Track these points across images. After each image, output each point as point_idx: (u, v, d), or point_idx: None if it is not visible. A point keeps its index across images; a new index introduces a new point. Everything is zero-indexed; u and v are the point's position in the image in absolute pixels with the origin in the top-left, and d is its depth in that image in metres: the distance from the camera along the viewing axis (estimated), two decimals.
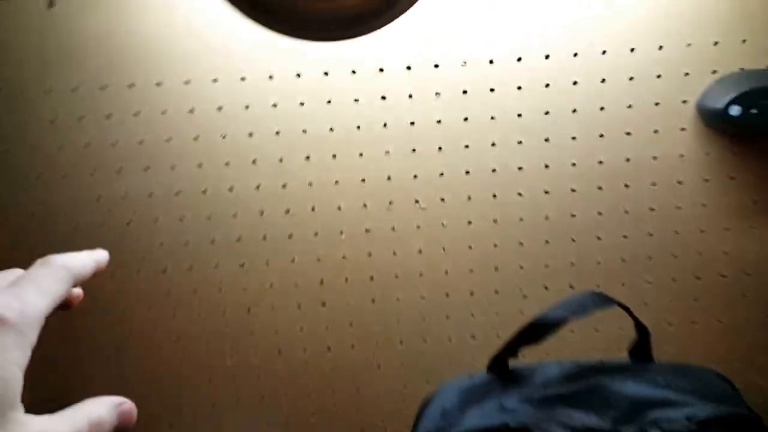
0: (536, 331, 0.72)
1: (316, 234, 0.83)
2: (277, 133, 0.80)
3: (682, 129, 0.80)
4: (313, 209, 0.82)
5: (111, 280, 0.83)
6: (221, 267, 0.84)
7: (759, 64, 0.78)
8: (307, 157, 0.80)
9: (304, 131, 0.79)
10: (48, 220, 0.82)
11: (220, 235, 0.83)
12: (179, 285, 0.84)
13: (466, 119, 0.79)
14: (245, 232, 0.83)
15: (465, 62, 0.78)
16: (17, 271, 0.39)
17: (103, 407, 0.37)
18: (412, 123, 0.79)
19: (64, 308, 0.38)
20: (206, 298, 0.84)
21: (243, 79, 0.78)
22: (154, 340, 0.85)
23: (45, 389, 0.82)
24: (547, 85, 0.78)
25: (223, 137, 0.79)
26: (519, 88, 0.78)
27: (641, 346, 0.77)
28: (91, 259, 0.41)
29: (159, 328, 0.85)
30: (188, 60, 0.77)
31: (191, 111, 0.78)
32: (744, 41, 0.77)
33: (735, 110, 0.74)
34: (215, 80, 0.78)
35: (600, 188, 0.82)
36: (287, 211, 0.82)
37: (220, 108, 0.79)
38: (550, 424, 0.66)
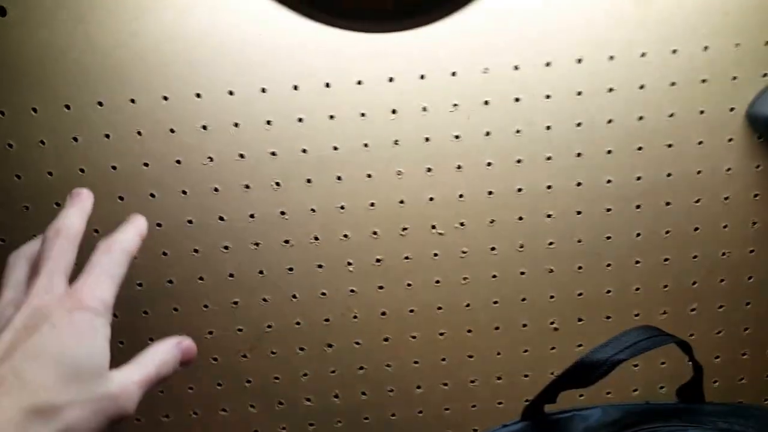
0: (584, 372, 0.65)
1: (320, 266, 0.75)
2: (273, 153, 0.72)
3: (730, 140, 0.73)
4: (316, 238, 0.74)
5: None
6: (212, 305, 0.77)
7: None
8: (308, 180, 0.72)
9: (304, 150, 0.71)
10: None
11: (209, 272, 0.75)
12: (162, 329, 0.77)
13: (488, 133, 0.72)
14: (239, 267, 0.75)
15: (486, 69, 0.71)
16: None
17: (166, 347, 0.50)
18: (427, 139, 0.71)
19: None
20: (196, 340, 0.77)
21: (231, 93, 0.71)
22: None
23: None
24: (579, 93, 0.71)
25: (211, 159, 0.72)
26: (548, 96, 0.71)
27: (693, 386, 0.72)
28: (136, 232, 0.51)
29: None
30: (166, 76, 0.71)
31: (172, 131, 0.72)
32: None
33: None
34: (198, 95, 0.71)
35: (638, 207, 0.74)
36: (286, 242, 0.74)
37: (204, 127, 0.72)
38: None
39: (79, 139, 0.70)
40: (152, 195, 0.72)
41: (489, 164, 0.73)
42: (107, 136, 0.70)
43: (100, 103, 0.69)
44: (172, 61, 0.69)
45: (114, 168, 0.71)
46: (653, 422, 0.63)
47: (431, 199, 0.74)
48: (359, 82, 0.70)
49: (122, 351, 0.76)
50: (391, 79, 0.70)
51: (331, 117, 0.71)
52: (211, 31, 0.69)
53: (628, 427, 0.63)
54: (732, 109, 0.72)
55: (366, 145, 0.72)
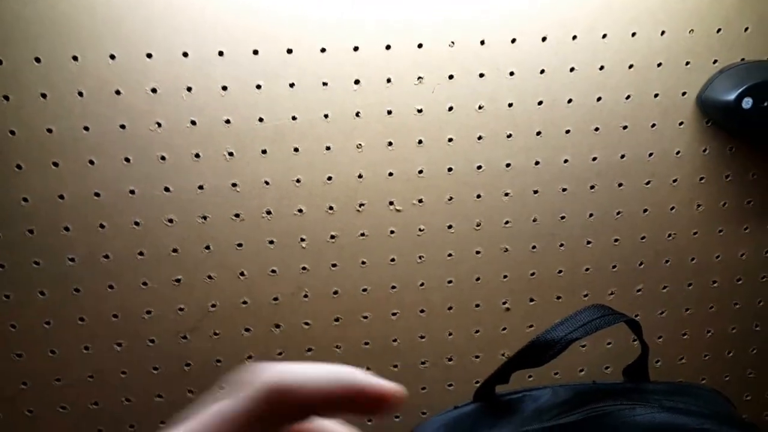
0: (537, 352, 0.71)
1: (271, 242, 0.76)
2: (227, 121, 0.73)
3: (681, 123, 0.79)
4: (268, 213, 0.75)
5: (6, 305, 0.75)
6: (151, 283, 0.76)
7: (761, 55, 0.79)
8: (264, 151, 0.73)
9: (261, 119, 0.72)
10: None
11: (150, 246, 0.74)
12: (96, 309, 0.77)
13: (450, 108, 0.75)
14: (183, 242, 0.74)
15: (453, 42, 0.75)
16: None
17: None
18: (390, 112, 0.74)
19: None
20: (129, 324, 0.77)
21: (185, 55, 0.71)
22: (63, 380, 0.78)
23: None
24: (542, 71, 0.75)
25: (159, 125, 0.72)
26: (511, 73, 0.75)
27: (639, 365, 0.79)
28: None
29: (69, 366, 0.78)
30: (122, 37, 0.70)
31: (118, 92, 0.71)
32: (746, 29, 0.80)
33: (747, 103, 0.77)
34: (149, 56, 0.71)
35: (592, 188, 0.80)
36: (237, 216, 0.74)
37: (154, 90, 0.71)
38: None
39: (10, 98, 0.68)
40: (91, 162, 0.71)
41: (450, 140, 0.76)
42: (44, 95, 0.68)
43: (38, 59, 0.67)
44: (123, 17, 0.67)
45: (50, 131, 0.69)
46: (602, 402, 0.69)
47: (390, 174, 0.76)
48: (323, 50, 0.72)
49: (48, 333, 0.76)
50: (356, 48, 0.72)
51: (292, 85, 0.71)
52: None
53: (578, 407, 0.69)
54: (684, 94, 0.79)
55: (326, 116, 0.73)
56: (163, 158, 0.71)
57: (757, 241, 0.85)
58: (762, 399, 0.91)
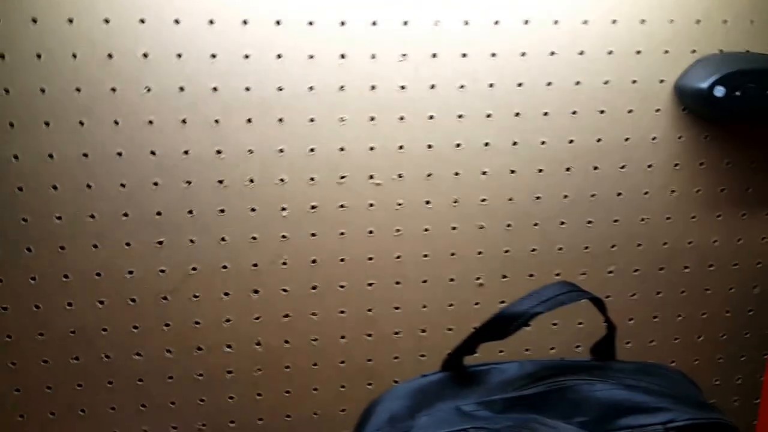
0: (501, 325, 0.77)
1: (252, 210, 0.81)
2: (215, 89, 0.77)
3: (657, 110, 0.85)
4: (251, 180, 0.80)
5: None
6: (134, 244, 0.81)
7: (738, 46, 0.85)
8: (249, 120, 0.78)
9: (247, 89, 0.77)
10: None
11: (135, 208, 0.79)
12: (82, 265, 0.81)
13: (432, 86, 0.80)
14: (167, 205, 0.80)
15: (437, 21, 0.80)
16: None
17: None
18: (373, 87, 0.79)
19: None
20: (113, 282, 0.83)
21: (177, 22, 0.75)
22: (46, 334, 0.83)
23: None
24: (523, 54, 0.80)
25: (148, 90, 0.78)
26: (493, 55, 0.80)
27: (606, 344, 0.86)
28: None
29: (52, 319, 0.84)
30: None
31: (110, 56, 0.77)
32: (725, 22, 0.85)
33: (719, 91, 0.82)
34: (142, 21, 0.76)
35: (568, 170, 0.85)
36: (220, 182, 0.80)
37: (145, 55, 0.75)
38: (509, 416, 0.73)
39: (6, 57, 0.73)
40: (81, 123, 0.76)
41: (431, 117, 0.81)
42: (38, 56, 0.73)
43: (34, 20, 0.72)
44: None
45: (42, 91, 0.73)
46: (565, 376, 0.75)
47: (371, 148, 0.81)
48: (310, 23, 0.76)
49: (33, 288, 0.81)
50: (342, 23, 0.78)
51: (279, 56, 0.77)
52: None
53: (541, 380, 0.75)
54: (662, 81, 0.84)
55: (311, 89, 0.78)
56: (150, 122, 0.77)
57: (729, 229, 0.90)
58: (731, 384, 0.97)
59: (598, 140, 0.85)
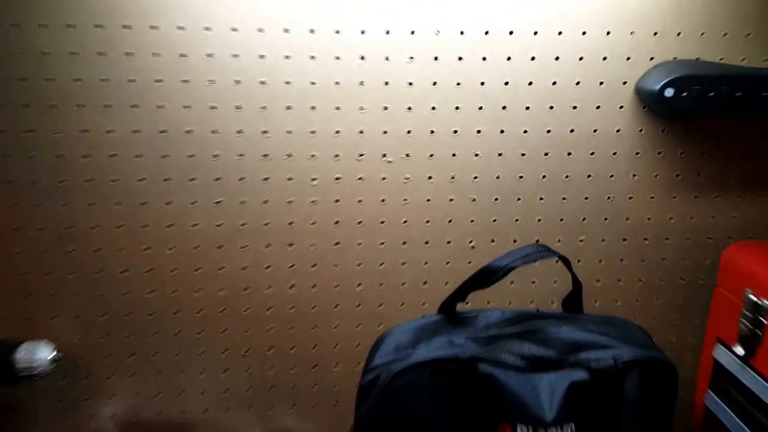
0: (485, 276, 0.95)
1: (289, 179, 1.01)
2: (262, 83, 0.98)
3: (621, 107, 1.02)
4: (289, 155, 1.00)
5: (90, 210, 1.02)
6: (200, 201, 1.02)
7: (690, 55, 1.01)
8: (288, 107, 0.98)
9: (287, 83, 0.97)
10: (33, 149, 0.99)
11: (201, 174, 1.01)
12: (157, 219, 1.03)
13: (435, 83, 0.99)
14: (225, 173, 1.01)
15: (438, 32, 0.99)
16: None
17: None
18: (387, 83, 0.98)
19: None
20: (181, 232, 1.03)
21: (234, 30, 0.97)
22: (130, 271, 1.05)
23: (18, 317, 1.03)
24: (509, 59, 0.99)
25: (212, 82, 0.98)
26: (484, 59, 0.98)
27: (574, 298, 1.02)
28: None
29: (134, 260, 1.05)
30: (182, 6, 0.95)
31: (182, 55, 0.97)
32: (679, 34, 1.02)
33: (669, 92, 0.99)
34: (207, 28, 0.95)
35: (546, 155, 1.03)
36: (265, 156, 1.00)
37: (210, 55, 0.96)
38: (499, 353, 0.91)
39: (105, 55, 0.97)
40: (159, 107, 0.99)
41: (433, 108, 1.00)
42: (156, 54, 0.95)
43: (127, 27, 0.95)
44: None
45: (130, 81, 0.98)
46: (536, 321, 0.93)
47: (385, 132, 1.01)
48: (337, 32, 0.96)
49: (121, 233, 1.03)
50: (362, 32, 0.96)
51: (312, 57, 0.97)
52: None
53: (518, 323, 0.92)
54: (624, 83, 1.01)
55: (337, 83, 0.98)
56: (213, 108, 0.98)
57: (683, 208, 1.07)
58: (685, 341, 1.14)
59: (571, 131, 1.03)
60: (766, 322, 0.90)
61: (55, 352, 0.99)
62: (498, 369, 0.86)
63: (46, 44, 0.94)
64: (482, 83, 1.00)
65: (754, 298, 0.92)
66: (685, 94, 0.97)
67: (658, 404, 0.89)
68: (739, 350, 0.96)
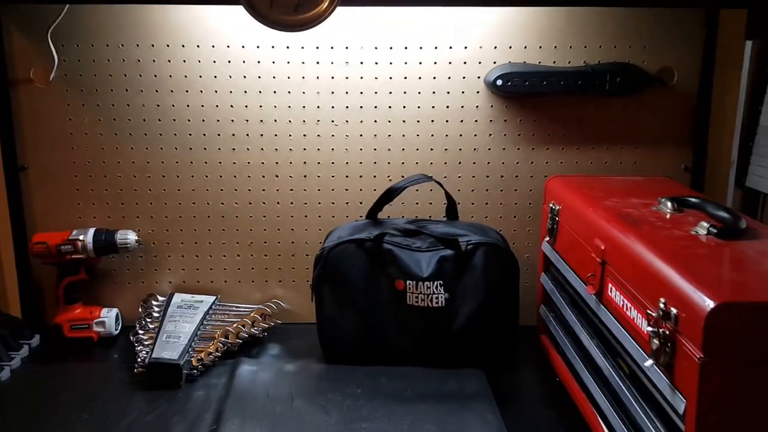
0: (390, 194, 1.56)
1: (275, 135, 1.67)
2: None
3: (477, 92, 1.64)
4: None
5: (162, 153, 1.69)
6: (222, 151, 1.68)
7: (519, 59, 1.62)
8: (274, 91, 1.66)
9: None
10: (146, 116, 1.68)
11: (223, 133, 1.66)
12: (200, 160, 1.68)
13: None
14: (238, 133, 1.66)
15: (347, 62, 1.63)
16: None
17: None
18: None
19: None
20: (211, 168, 1.69)
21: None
22: (181, 191, 1.71)
23: (118, 216, 1.70)
24: (406, 63, 1.62)
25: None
26: (390, 63, 1.64)
27: (451, 210, 1.62)
28: None
29: (183, 185, 1.71)
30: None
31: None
32: (510, 47, 1.62)
33: (499, 82, 1.61)
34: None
35: (432, 121, 1.65)
36: (261, 121, 1.65)
37: (229, 62, 1.65)
38: (393, 237, 1.54)
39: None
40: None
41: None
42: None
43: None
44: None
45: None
46: (425, 223, 1.56)
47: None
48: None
49: (180, 167, 1.71)
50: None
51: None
52: None
53: (413, 223, 1.55)
54: (479, 77, 1.63)
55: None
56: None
57: (524, 155, 1.69)
58: (531, 241, 1.69)
59: (447, 107, 1.66)
60: (557, 219, 1.50)
61: (137, 237, 1.68)
62: (395, 247, 1.48)
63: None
64: (390, 77, 1.64)
65: (553, 206, 1.52)
66: (509, 83, 1.59)
67: (496, 272, 1.48)
68: (550, 240, 1.55)
